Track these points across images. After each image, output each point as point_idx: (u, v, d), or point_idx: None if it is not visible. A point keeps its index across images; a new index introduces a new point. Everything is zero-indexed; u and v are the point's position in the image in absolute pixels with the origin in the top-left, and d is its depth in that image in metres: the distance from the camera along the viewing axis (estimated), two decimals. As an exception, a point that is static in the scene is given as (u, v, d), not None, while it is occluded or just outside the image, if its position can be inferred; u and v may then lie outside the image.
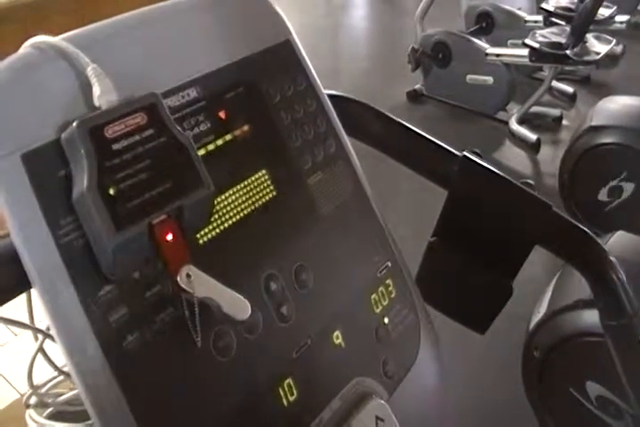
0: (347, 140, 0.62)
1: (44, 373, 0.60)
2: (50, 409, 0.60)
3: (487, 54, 2.90)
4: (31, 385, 0.58)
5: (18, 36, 0.46)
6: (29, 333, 0.55)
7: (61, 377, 0.58)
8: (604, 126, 1.96)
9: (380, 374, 0.58)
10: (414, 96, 3.28)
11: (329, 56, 4.14)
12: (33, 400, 0.59)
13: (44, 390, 0.59)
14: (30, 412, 0.59)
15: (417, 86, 3.28)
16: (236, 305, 0.45)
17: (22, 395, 0.60)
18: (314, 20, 4.65)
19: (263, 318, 0.50)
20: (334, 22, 4.85)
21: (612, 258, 0.72)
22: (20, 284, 0.42)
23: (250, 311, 0.45)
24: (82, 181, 0.40)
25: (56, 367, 0.55)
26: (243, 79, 0.54)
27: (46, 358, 0.55)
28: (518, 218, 0.69)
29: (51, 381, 0.59)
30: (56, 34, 0.46)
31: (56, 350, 0.42)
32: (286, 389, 0.51)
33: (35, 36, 0.45)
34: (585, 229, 0.71)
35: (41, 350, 0.55)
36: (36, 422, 0.59)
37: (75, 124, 0.40)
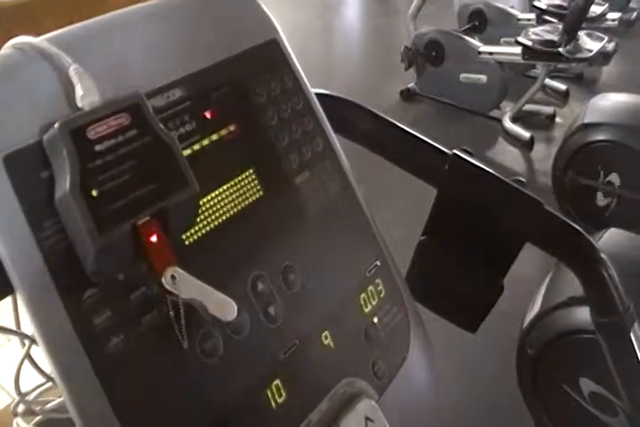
0: (334, 139, 0.62)
1: (33, 379, 0.59)
2: (38, 417, 0.59)
3: (480, 52, 2.90)
4: (18, 393, 0.57)
5: (5, 40, 0.46)
6: (22, 337, 0.55)
7: (49, 384, 0.57)
8: (597, 124, 1.96)
9: (369, 374, 0.58)
10: (407, 95, 3.27)
11: (322, 55, 4.13)
12: (20, 408, 0.58)
13: (31, 397, 0.58)
14: (18, 420, 0.59)
15: (410, 85, 3.28)
16: (223, 306, 0.45)
17: (10, 403, 0.59)
18: (307, 19, 4.64)
19: (250, 319, 0.50)
20: (327, 21, 4.84)
21: (603, 255, 0.72)
22: (3, 288, 0.42)
23: (236, 312, 0.45)
24: (64, 183, 0.39)
25: (44, 374, 0.55)
26: (229, 78, 0.54)
27: (33, 365, 0.54)
28: (509, 215, 0.69)
29: (38, 388, 0.58)
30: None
31: (43, 355, 0.42)
32: (274, 390, 0.50)
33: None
34: (576, 226, 0.71)
35: (28, 356, 0.54)
36: (24, 430, 0.58)
37: (56, 125, 0.40)
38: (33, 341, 0.53)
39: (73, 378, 0.40)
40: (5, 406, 0.81)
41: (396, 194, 2.32)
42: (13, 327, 0.54)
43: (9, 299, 0.48)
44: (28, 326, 0.42)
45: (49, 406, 0.58)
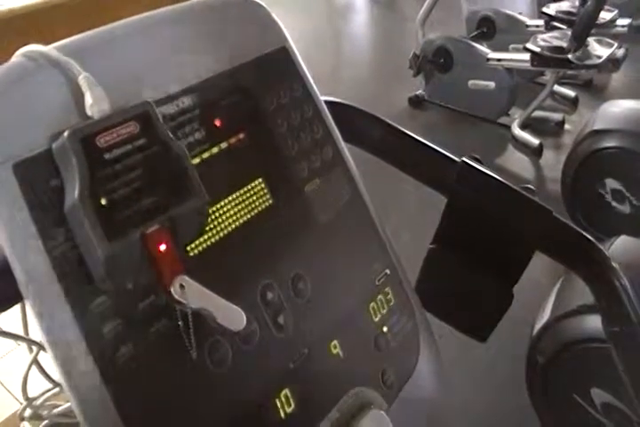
0: (344, 147, 0.62)
1: (41, 384, 0.59)
2: (45, 422, 0.59)
3: (489, 59, 2.89)
4: (26, 398, 0.57)
5: (17, 47, 0.46)
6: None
7: (57, 389, 0.57)
8: (607, 130, 1.95)
9: (378, 383, 0.58)
10: (416, 102, 3.27)
11: (330, 62, 4.14)
12: (28, 413, 0.58)
13: (39, 402, 0.58)
14: (25, 425, 0.59)
15: (419, 92, 3.27)
16: (231, 316, 0.44)
17: (18, 408, 0.59)
18: (315, 25, 4.66)
19: (259, 329, 0.50)
20: (335, 28, 4.85)
21: (615, 264, 0.71)
22: (12, 295, 0.42)
23: (245, 322, 0.45)
24: (73, 192, 0.39)
25: (51, 379, 0.55)
26: (238, 86, 0.54)
27: (41, 370, 0.54)
28: (518, 224, 0.69)
29: (46, 393, 0.58)
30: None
31: (51, 362, 0.42)
32: (283, 400, 0.50)
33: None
34: (586, 234, 0.71)
35: (35, 361, 0.54)
36: (31, 435, 0.58)
37: (66, 133, 0.40)
38: (41, 347, 0.53)
39: (81, 385, 0.40)
40: (13, 411, 0.81)
41: (406, 200, 2.31)
42: (22, 334, 0.54)
43: (17, 305, 0.48)
44: (37, 333, 0.42)
45: (56, 411, 0.58)
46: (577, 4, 2.84)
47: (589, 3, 2.48)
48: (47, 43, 0.46)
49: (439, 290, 0.72)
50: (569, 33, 2.66)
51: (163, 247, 0.42)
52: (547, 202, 0.69)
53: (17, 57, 0.45)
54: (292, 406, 0.50)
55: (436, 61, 3.10)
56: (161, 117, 0.44)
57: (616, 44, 2.66)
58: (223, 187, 0.50)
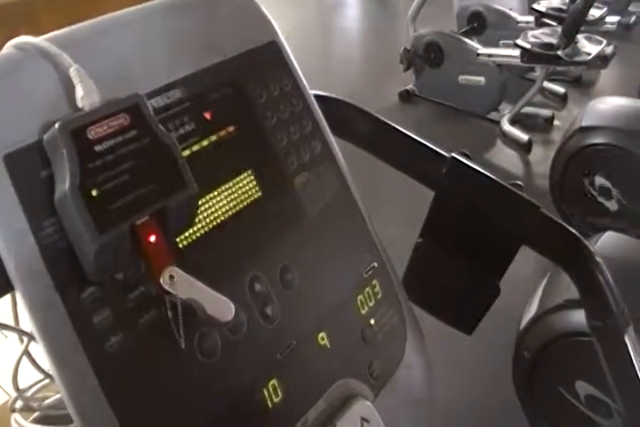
0: (333, 141, 0.62)
1: (31, 376, 0.59)
2: (36, 414, 0.59)
3: (479, 55, 2.90)
4: (16, 389, 0.57)
5: (7, 38, 0.46)
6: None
7: (47, 380, 0.57)
8: (595, 127, 1.96)
9: (365, 374, 0.58)
10: (406, 96, 3.28)
11: (321, 56, 4.13)
12: (18, 404, 0.58)
13: (29, 393, 0.58)
14: (16, 416, 0.59)
15: (409, 87, 3.28)
16: (220, 306, 0.45)
17: (8, 400, 0.59)
18: (306, 19, 4.64)
19: (248, 319, 0.50)
20: (326, 22, 4.84)
21: (599, 259, 0.72)
22: (2, 285, 0.42)
23: (233, 312, 0.45)
24: (64, 183, 0.40)
25: (42, 370, 0.55)
26: (228, 80, 0.54)
27: (32, 361, 0.55)
28: (505, 218, 0.70)
29: (36, 384, 0.58)
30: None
31: (42, 353, 0.42)
32: (271, 390, 0.51)
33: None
34: (572, 229, 0.72)
35: (26, 352, 0.54)
36: (21, 426, 0.58)
37: (57, 125, 0.40)
38: (32, 338, 0.53)
39: (71, 375, 0.41)
40: (3, 402, 0.81)
41: (394, 194, 2.32)
42: (12, 324, 0.54)
43: (7, 296, 0.48)
44: (27, 323, 0.42)
45: (47, 402, 0.58)
46: (567, 0, 2.85)
47: (579, 0, 2.49)
48: (38, 34, 0.46)
49: (426, 283, 0.73)
50: (559, 30, 2.67)
51: (152, 238, 0.42)
52: (535, 197, 0.69)
53: (8, 48, 0.45)
54: (280, 396, 0.51)
55: (426, 56, 3.10)
56: (151, 110, 0.44)
57: (605, 42, 2.67)
58: (213, 179, 0.51)
